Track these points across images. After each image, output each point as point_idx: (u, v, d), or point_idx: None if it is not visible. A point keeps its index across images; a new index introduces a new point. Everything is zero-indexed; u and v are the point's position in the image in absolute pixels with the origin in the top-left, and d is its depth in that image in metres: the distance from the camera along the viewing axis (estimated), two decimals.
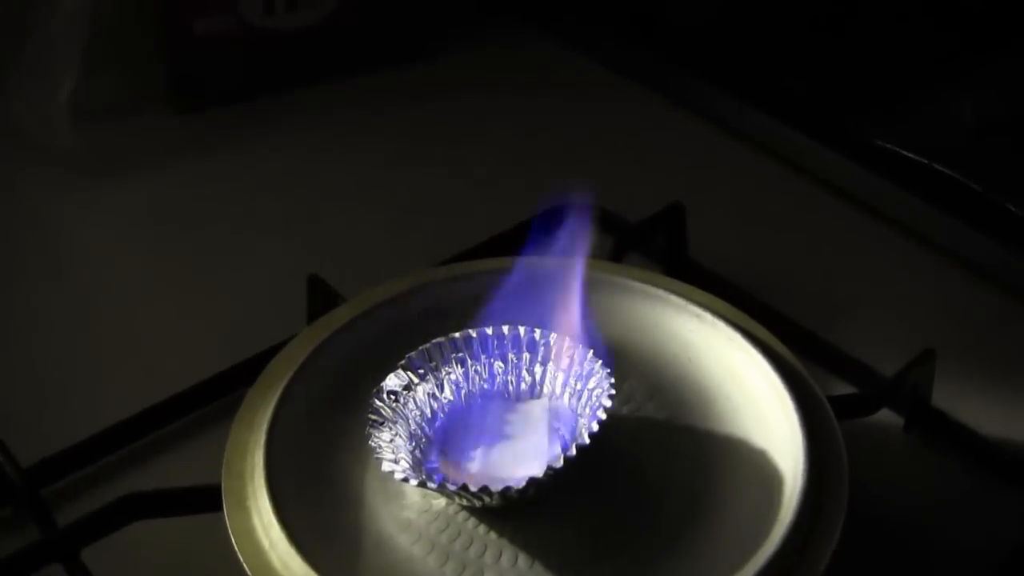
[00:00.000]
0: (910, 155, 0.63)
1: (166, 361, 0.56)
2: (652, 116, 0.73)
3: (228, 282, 0.61)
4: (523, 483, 0.38)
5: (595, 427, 0.39)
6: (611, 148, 0.71)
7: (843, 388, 0.53)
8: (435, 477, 0.40)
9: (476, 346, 0.43)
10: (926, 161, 0.62)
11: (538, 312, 0.44)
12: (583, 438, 0.39)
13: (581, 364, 0.42)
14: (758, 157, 0.69)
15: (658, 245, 0.58)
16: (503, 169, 0.69)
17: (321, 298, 0.52)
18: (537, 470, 0.39)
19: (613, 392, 0.40)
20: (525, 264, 0.46)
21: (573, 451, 0.39)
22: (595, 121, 0.73)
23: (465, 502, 0.40)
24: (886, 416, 0.51)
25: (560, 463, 0.39)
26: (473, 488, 0.38)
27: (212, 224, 0.66)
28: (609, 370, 0.41)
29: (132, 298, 0.61)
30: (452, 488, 0.38)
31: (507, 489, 0.38)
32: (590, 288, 0.47)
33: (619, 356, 0.45)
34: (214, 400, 0.52)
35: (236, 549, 0.39)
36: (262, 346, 0.52)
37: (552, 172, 0.68)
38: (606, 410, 0.40)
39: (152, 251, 0.64)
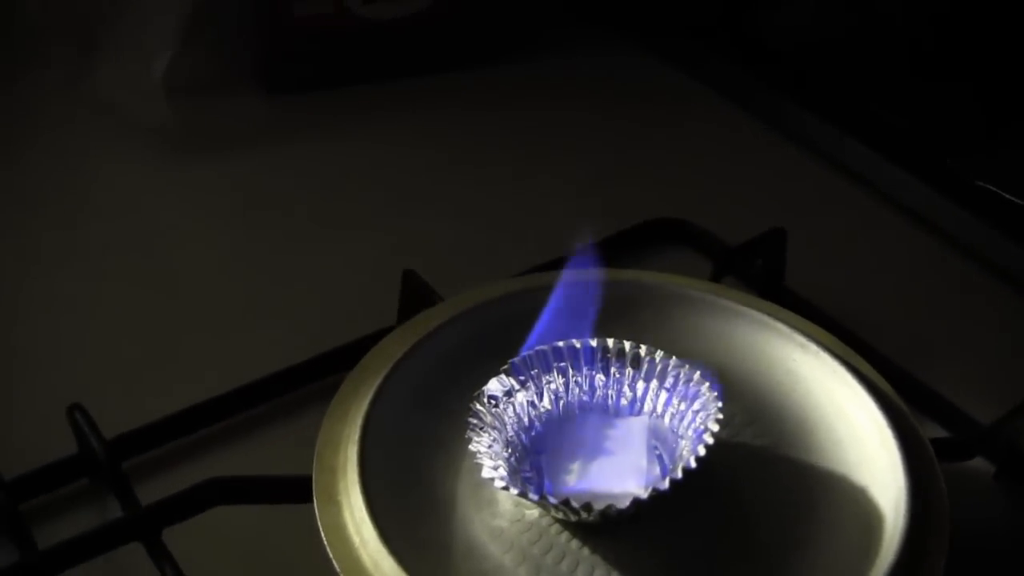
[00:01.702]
0: (1011, 198, 0.62)
1: (251, 343, 0.56)
2: (750, 140, 0.73)
3: (313, 268, 0.61)
4: (627, 503, 0.38)
5: (701, 451, 0.38)
6: (704, 168, 0.70)
7: (933, 430, 0.52)
8: (531, 487, 0.39)
9: (580, 357, 0.43)
10: None
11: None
12: (689, 461, 0.38)
13: (687, 385, 0.41)
14: (857, 190, 0.68)
15: (754, 270, 0.58)
16: (603, 179, 0.69)
17: (414, 294, 0.52)
18: (634, 488, 0.39)
19: (720, 416, 0.39)
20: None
21: (679, 473, 0.38)
22: (691, 140, 0.73)
23: (561, 515, 0.39)
24: (976, 462, 0.50)
25: (666, 485, 0.38)
26: (575, 504, 0.37)
27: (300, 208, 0.66)
28: (717, 394, 0.40)
29: (221, 277, 0.61)
30: (553, 501, 0.38)
31: (609, 507, 0.38)
32: (694, 308, 0.47)
33: (720, 379, 0.44)
34: (299, 387, 0.52)
35: (326, 544, 0.39)
36: (346, 337, 0.51)
37: (649, 187, 0.68)
38: (713, 434, 0.39)
39: (241, 231, 0.64)
